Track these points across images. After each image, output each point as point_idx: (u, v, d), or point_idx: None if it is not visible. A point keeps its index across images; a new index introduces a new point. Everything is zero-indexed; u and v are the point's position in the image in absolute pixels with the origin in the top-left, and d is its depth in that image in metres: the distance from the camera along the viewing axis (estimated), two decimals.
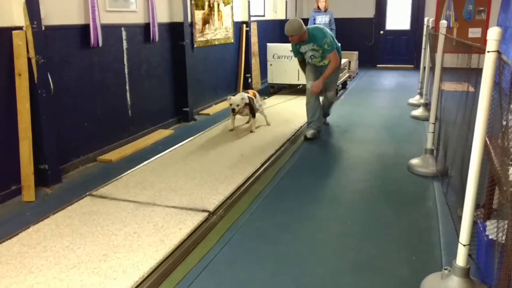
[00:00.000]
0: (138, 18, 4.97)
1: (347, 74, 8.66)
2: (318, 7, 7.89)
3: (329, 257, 2.63)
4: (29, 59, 3.44)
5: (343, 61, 6.71)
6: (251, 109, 5.21)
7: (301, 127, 5.44)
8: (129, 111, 4.90)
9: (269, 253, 2.66)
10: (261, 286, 2.35)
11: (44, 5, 3.60)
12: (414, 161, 4.08)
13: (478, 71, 2.25)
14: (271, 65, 7.66)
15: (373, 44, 11.52)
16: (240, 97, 5.11)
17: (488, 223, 2.16)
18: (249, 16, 7.89)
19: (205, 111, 6.50)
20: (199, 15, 6.22)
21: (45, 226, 2.91)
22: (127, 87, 4.84)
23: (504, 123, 1.98)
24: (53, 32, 3.75)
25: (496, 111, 2.02)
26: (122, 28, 4.70)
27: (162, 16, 5.44)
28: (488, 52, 1.95)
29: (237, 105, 5.05)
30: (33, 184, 3.47)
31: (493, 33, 1.94)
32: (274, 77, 7.70)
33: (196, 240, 2.78)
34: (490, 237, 2.10)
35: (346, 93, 8.05)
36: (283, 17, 10.05)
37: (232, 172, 3.89)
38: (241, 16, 7.75)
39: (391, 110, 6.76)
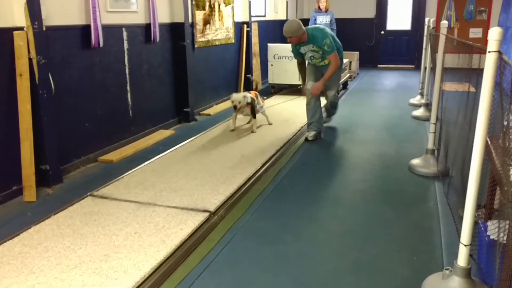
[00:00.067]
0: (139, 19, 4.97)
1: (348, 75, 8.66)
2: (319, 7, 7.89)
3: (330, 257, 2.63)
4: (30, 60, 3.45)
5: (344, 61, 6.69)
6: (252, 109, 5.21)
7: (302, 127, 5.44)
8: (130, 112, 4.90)
9: (270, 253, 2.66)
10: (262, 286, 2.35)
11: (45, 5, 3.60)
12: (415, 161, 4.07)
13: (479, 71, 2.25)
14: (272, 65, 7.66)
15: (374, 44, 11.52)
16: (242, 95, 5.13)
17: (489, 223, 2.16)
18: (250, 16, 7.90)
19: (206, 112, 6.51)
20: (200, 15, 6.22)
21: (46, 227, 2.91)
22: (128, 88, 4.84)
23: (505, 123, 1.98)
24: (54, 33, 3.76)
25: (497, 111, 2.02)
26: (123, 29, 4.70)
27: (163, 16, 5.44)
28: (489, 52, 1.95)
29: (239, 102, 5.05)
30: (34, 185, 3.47)
31: (494, 33, 1.94)
32: (275, 77, 7.71)
33: (197, 240, 2.78)
34: (491, 237, 2.09)
35: (347, 93, 8.04)
36: (284, 18, 10.05)
37: (233, 172, 3.89)
38: (242, 17, 7.75)
39: (392, 110, 6.76)
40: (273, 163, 4.26)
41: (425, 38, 7.19)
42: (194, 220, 2.97)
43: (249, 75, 7.91)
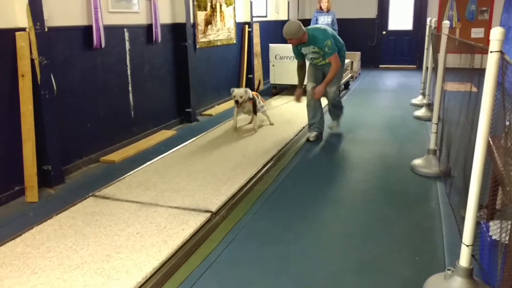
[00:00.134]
0: (140, 19, 4.98)
1: (350, 75, 8.66)
2: (321, 7, 7.88)
3: (332, 258, 2.63)
4: (32, 60, 3.45)
5: (346, 61, 6.68)
6: (254, 105, 5.21)
7: (303, 127, 5.43)
8: (132, 112, 4.91)
9: (271, 253, 2.66)
10: (263, 286, 2.35)
11: (47, 6, 3.61)
12: (417, 162, 4.07)
13: (481, 71, 2.25)
14: (273, 65, 7.66)
15: (376, 45, 11.51)
16: (244, 90, 5.13)
17: (491, 223, 2.16)
18: (251, 16, 7.90)
19: (208, 112, 6.51)
20: (201, 16, 6.22)
21: (48, 227, 2.92)
22: (130, 88, 4.85)
23: (507, 123, 1.97)
24: (56, 33, 3.77)
25: (499, 111, 2.01)
26: (125, 29, 4.71)
27: (165, 17, 5.45)
28: (491, 52, 1.95)
29: (241, 97, 5.03)
30: (36, 185, 3.48)
31: (496, 33, 1.93)
32: (277, 77, 7.71)
33: (199, 241, 2.78)
34: (493, 237, 2.09)
35: (349, 94, 8.04)
36: (285, 18, 10.06)
37: (234, 172, 3.89)
38: (243, 17, 7.75)
39: (393, 110, 6.75)
40: (275, 164, 4.26)
41: (426, 38, 7.18)
42: (196, 221, 2.97)
43: (251, 75, 7.91)
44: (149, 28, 5.11)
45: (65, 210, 3.18)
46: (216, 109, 6.69)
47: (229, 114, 6.04)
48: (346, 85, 8.26)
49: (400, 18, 11.43)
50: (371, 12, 11.38)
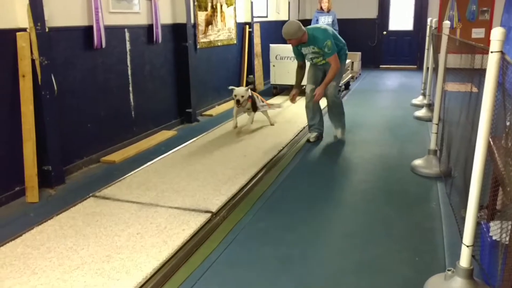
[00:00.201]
0: (141, 20, 4.98)
1: (350, 75, 8.66)
2: (321, 7, 7.89)
3: (333, 258, 2.63)
4: (33, 61, 3.46)
5: (347, 61, 6.66)
6: (253, 103, 5.20)
7: (303, 127, 5.43)
8: (132, 112, 4.91)
9: (272, 253, 2.66)
10: (264, 287, 2.35)
11: (48, 6, 3.61)
12: (418, 162, 4.07)
13: (482, 72, 2.25)
14: (273, 66, 7.66)
15: (376, 45, 11.51)
16: (244, 88, 5.10)
17: (491, 224, 2.15)
18: (252, 17, 7.90)
19: (208, 112, 6.51)
20: (202, 16, 6.23)
21: (49, 227, 2.92)
22: (130, 88, 4.85)
23: (508, 123, 1.97)
24: (56, 34, 3.77)
25: (499, 112, 2.01)
26: (126, 30, 4.71)
27: (165, 17, 5.45)
28: (491, 52, 1.95)
29: (242, 96, 5.00)
30: (37, 185, 3.48)
31: (497, 34, 1.93)
32: (277, 78, 7.70)
33: (199, 241, 2.78)
34: (494, 238, 2.09)
35: (349, 94, 8.04)
36: (286, 18, 10.05)
37: (235, 173, 3.89)
38: (244, 17, 7.76)
39: (394, 110, 6.75)
40: (275, 164, 4.26)
41: (427, 38, 7.18)
42: (196, 221, 2.97)
43: (251, 76, 7.91)
44: (149, 28, 5.11)
45: (66, 210, 3.18)
46: (217, 110, 6.70)
47: (229, 115, 6.04)
48: (347, 85, 8.26)
49: (401, 18, 11.42)
50: (371, 12, 11.37)
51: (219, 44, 6.83)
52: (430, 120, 5.29)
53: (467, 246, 2.14)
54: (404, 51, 11.51)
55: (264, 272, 2.47)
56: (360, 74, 10.20)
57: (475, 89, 2.83)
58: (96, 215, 3.09)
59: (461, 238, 2.18)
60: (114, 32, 4.53)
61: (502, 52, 1.94)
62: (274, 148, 4.61)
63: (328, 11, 7.86)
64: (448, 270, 2.23)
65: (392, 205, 3.37)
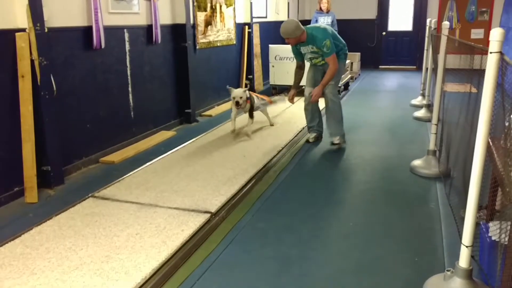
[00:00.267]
0: (140, 20, 4.98)
1: (349, 75, 8.66)
2: (320, 8, 7.89)
3: (332, 258, 2.62)
4: (32, 61, 3.45)
5: (346, 62, 6.65)
6: (251, 107, 5.13)
7: (303, 128, 5.43)
8: (132, 113, 4.91)
9: (271, 254, 2.66)
10: (263, 287, 2.35)
11: (47, 7, 3.61)
12: (417, 163, 4.07)
13: (481, 72, 2.25)
14: (273, 66, 7.66)
15: (376, 45, 11.52)
16: (242, 90, 5.01)
17: (490, 224, 2.16)
18: (251, 17, 7.90)
19: (207, 113, 6.51)
20: (201, 16, 6.23)
21: (48, 228, 2.92)
22: (130, 89, 4.85)
23: (507, 124, 1.97)
24: (56, 34, 3.77)
25: (498, 112, 2.01)
26: (125, 30, 4.71)
27: (165, 17, 5.45)
28: (490, 53, 1.95)
29: (241, 97, 4.92)
30: (36, 186, 3.48)
31: (496, 34, 1.93)
32: (276, 78, 7.71)
33: (198, 242, 2.78)
34: (493, 238, 2.09)
35: (349, 94, 8.04)
36: (285, 19, 10.06)
37: (234, 173, 3.89)
38: (243, 18, 7.76)
39: (393, 111, 6.75)
40: (275, 164, 4.26)
41: (426, 39, 7.19)
42: (195, 221, 2.97)
43: (251, 76, 7.91)
44: (149, 28, 5.11)
45: (65, 211, 3.18)
46: (216, 110, 6.69)
47: (228, 115, 6.02)
48: (346, 85, 8.27)
49: (400, 19, 11.43)
50: (371, 13, 11.38)
51: (218, 44, 6.83)
52: (429, 120, 5.29)
53: (466, 247, 2.14)
54: (404, 51, 11.52)
55: (263, 273, 2.47)
56: (359, 75, 10.20)
57: (474, 90, 2.83)
58: (95, 216, 3.09)
59: (460, 238, 2.18)
60: (114, 32, 4.53)
61: (501, 53, 1.94)
62: (274, 149, 4.61)
63: (328, 11, 7.86)
64: (448, 271, 2.23)
65: (391, 205, 3.37)
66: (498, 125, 2.08)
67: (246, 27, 7.79)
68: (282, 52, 7.49)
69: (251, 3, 7.82)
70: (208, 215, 3.07)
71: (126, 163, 4.33)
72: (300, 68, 4.91)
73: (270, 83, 7.88)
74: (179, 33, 5.70)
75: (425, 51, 7.23)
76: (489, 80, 1.96)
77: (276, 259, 2.61)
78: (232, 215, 3.18)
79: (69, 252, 2.61)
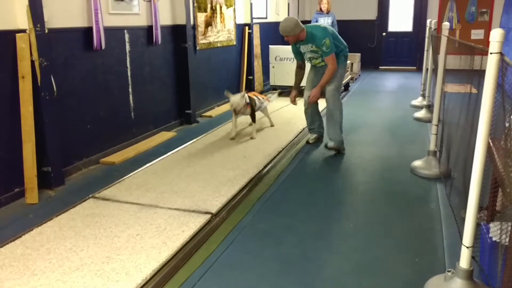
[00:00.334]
0: (141, 21, 4.98)
1: (350, 76, 8.66)
2: (321, 9, 7.89)
3: (333, 259, 2.62)
4: (32, 62, 3.46)
5: (347, 62, 6.65)
6: (252, 111, 5.11)
7: (303, 128, 5.43)
8: (132, 114, 4.91)
9: (272, 254, 2.66)
10: (264, 287, 2.35)
11: (48, 8, 3.62)
12: (417, 163, 4.07)
13: (481, 73, 2.25)
14: (273, 67, 7.67)
15: (376, 46, 11.52)
16: (239, 97, 4.92)
17: (491, 225, 2.16)
18: (252, 18, 7.91)
19: (208, 113, 6.51)
20: (201, 17, 6.23)
21: (48, 229, 2.92)
22: (130, 90, 4.85)
23: (507, 124, 1.97)
24: (56, 35, 3.77)
25: (499, 113, 2.01)
26: (125, 31, 4.71)
27: (165, 18, 5.45)
28: (490, 53, 1.95)
29: (238, 104, 4.90)
30: (36, 187, 3.48)
31: (496, 35, 1.94)
32: (276, 79, 7.71)
33: (198, 242, 2.78)
34: (494, 239, 2.09)
35: (349, 95, 8.04)
36: None
37: (234, 174, 3.89)
38: (243, 19, 7.76)
39: (393, 112, 6.75)
40: (275, 165, 4.26)
41: (426, 39, 7.19)
42: (196, 222, 2.97)
43: (251, 77, 7.92)
44: (149, 29, 5.11)
45: (65, 211, 3.18)
46: (216, 111, 6.69)
47: (229, 116, 6.03)
48: (346, 86, 8.27)
49: (400, 20, 11.44)
50: (371, 14, 11.39)
51: (218, 45, 6.83)
52: (429, 121, 5.29)
53: (467, 247, 2.14)
54: (404, 52, 11.52)
55: (264, 274, 2.47)
56: (359, 75, 10.21)
57: (474, 90, 2.83)
58: (96, 216, 3.09)
59: (461, 239, 2.18)
60: (114, 33, 4.53)
61: (501, 54, 1.94)
62: (274, 150, 4.61)
63: (328, 12, 7.86)
64: (448, 271, 2.23)
65: (392, 206, 3.37)
66: (499, 126, 2.08)
67: (246, 27, 7.80)
68: (282, 52, 7.49)
69: (251, 4, 7.82)
70: (208, 216, 3.07)
71: (127, 164, 4.33)
72: (300, 68, 4.87)
73: (270, 84, 7.88)
74: (179, 34, 5.71)
75: (425, 52, 7.23)
76: (489, 81, 1.96)
77: (277, 259, 2.60)
78: (233, 216, 3.18)
79: (69, 253, 2.61)
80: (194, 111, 6.02)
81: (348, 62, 7.90)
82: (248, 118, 5.33)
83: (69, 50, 3.97)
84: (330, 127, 4.63)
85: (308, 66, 4.88)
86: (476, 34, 10.41)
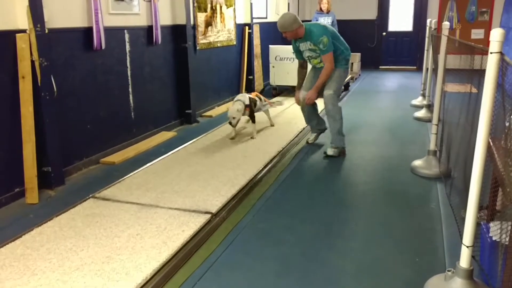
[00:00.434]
0: (141, 21, 4.98)
1: (350, 76, 8.66)
2: (321, 8, 7.90)
3: (333, 259, 2.62)
4: (32, 62, 3.46)
5: None
6: (251, 112, 5.09)
7: (303, 128, 5.43)
8: (132, 113, 4.91)
9: (272, 254, 2.66)
10: (264, 287, 2.35)
11: (48, 8, 3.62)
12: (417, 163, 4.07)
13: (481, 72, 2.25)
14: (273, 67, 7.67)
15: (376, 46, 11.52)
16: (235, 109, 4.84)
17: (491, 224, 2.16)
18: (252, 18, 7.91)
19: (208, 113, 6.51)
20: (201, 17, 6.23)
21: (48, 228, 2.92)
22: (130, 90, 4.85)
23: (507, 124, 1.97)
24: (56, 35, 3.77)
25: (499, 113, 2.01)
26: (125, 31, 4.71)
27: (165, 18, 5.46)
28: (491, 53, 1.95)
29: (233, 118, 4.85)
30: (37, 187, 3.48)
31: (496, 35, 1.94)
32: (276, 79, 7.71)
33: (199, 242, 2.78)
34: (494, 238, 2.09)
35: (349, 95, 8.04)
36: None
37: (234, 173, 3.89)
38: (243, 18, 7.76)
39: (393, 111, 6.75)
40: (275, 165, 4.26)
41: (426, 39, 7.19)
42: (196, 222, 2.97)
43: (251, 77, 7.92)
44: (149, 29, 5.11)
45: (65, 211, 3.18)
46: (216, 111, 6.70)
47: None
48: (346, 86, 8.27)
49: (400, 19, 11.43)
50: (371, 13, 11.38)
51: (218, 45, 6.83)
52: (429, 120, 5.29)
53: (467, 247, 2.14)
54: (404, 52, 11.52)
55: (264, 273, 2.47)
56: (359, 75, 10.21)
57: (474, 90, 2.84)
58: (96, 216, 3.09)
59: (461, 238, 2.18)
60: (114, 33, 4.53)
61: (501, 53, 1.94)
62: (274, 149, 4.61)
63: (328, 12, 7.86)
64: (448, 271, 2.23)
65: (392, 206, 3.37)
66: (499, 125, 2.08)
67: (246, 27, 7.80)
68: (282, 52, 7.49)
69: (251, 3, 7.82)
70: (208, 216, 3.07)
71: (127, 163, 4.33)
72: (302, 67, 4.78)
73: (270, 84, 7.88)
74: (179, 34, 5.71)
75: (425, 52, 7.23)
76: (490, 81, 1.96)
77: (277, 259, 2.61)
78: (233, 216, 3.18)
79: (69, 252, 2.61)
80: (194, 111, 6.02)
81: None
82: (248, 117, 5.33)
83: (69, 50, 3.97)
84: (331, 134, 4.54)
85: (309, 66, 4.84)
86: (476, 33, 10.40)
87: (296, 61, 4.83)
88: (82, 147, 4.17)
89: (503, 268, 1.90)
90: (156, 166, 4.18)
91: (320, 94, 4.51)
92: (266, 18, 8.98)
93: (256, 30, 8.17)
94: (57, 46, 3.81)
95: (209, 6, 6.42)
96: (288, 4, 10.40)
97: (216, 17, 6.68)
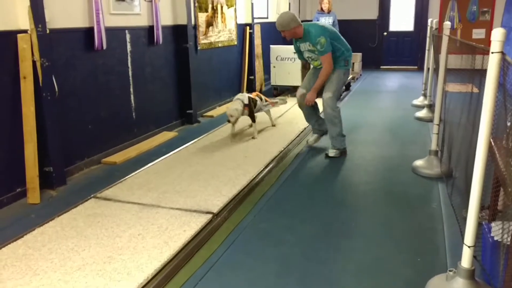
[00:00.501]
0: (142, 21, 4.99)
1: (351, 76, 8.65)
2: (322, 8, 7.90)
3: (333, 259, 2.62)
4: (34, 62, 3.46)
5: None
6: (251, 111, 5.06)
7: (304, 128, 5.43)
8: (133, 114, 4.92)
9: (273, 254, 2.66)
10: (265, 287, 2.35)
11: (49, 8, 3.62)
12: (419, 163, 4.07)
13: (482, 72, 2.25)
14: (274, 67, 7.66)
15: (377, 46, 11.51)
16: (234, 108, 4.85)
17: (493, 224, 2.16)
18: (253, 18, 7.91)
19: (209, 113, 6.51)
20: (202, 17, 6.24)
21: (50, 228, 2.92)
22: (131, 90, 4.86)
23: (509, 124, 1.97)
24: (57, 35, 3.77)
25: (500, 112, 2.01)
26: (126, 31, 4.72)
27: (166, 18, 5.46)
28: (492, 53, 1.95)
29: (231, 116, 4.85)
30: (38, 187, 3.48)
31: (497, 34, 1.93)
32: (278, 79, 7.71)
33: (200, 242, 2.78)
34: (495, 238, 2.09)
35: (350, 95, 8.04)
36: None
37: (236, 173, 3.89)
38: (244, 18, 7.76)
39: (395, 111, 6.75)
40: (276, 165, 4.26)
41: (428, 39, 7.18)
42: (197, 222, 2.98)
43: (252, 77, 7.92)
44: (150, 29, 5.12)
45: (67, 211, 3.18)
46: (217, 111, 6.70)
47: None
48: (347, 86, 8.26)
49: (401, 19, 11.42)
50: (372, 13, 11.38)
51: (219, 45, 6.84)
52: (431, 120, 5.29)
53: (469, 247, 2.14)
54: (405, 51, 11.51)
55: (265, 273, 2.47)
56: (360, 75, 10.20)
57: (475, 90, 2.83)
58: (97, 216, 3.10)
59: (463, 238, 2.18)
60: (115, 33, 4.54)
61: (502, 53, 1.94)
62: (275, 149, 4.61)
63: (329, 12, 7.87)
64: (450, 271, 2.23)
65: (393, 205, 3.37)
66: (500, 125, 2.08)
67: (247, 27, 7.80)
68: (283, 52, 7.49)
69: (252, 3, 7.83)
70: (210, 216, 3.07)
71: (128, 163, 4.34)
72: (305, 68, 4.80)
73: (271, 84, 7.88)
74: (180, 34, 5.71)
75: (426, 51, 7.22)
76: (491, 80, 1.96)
77: (278, 259, 2.61)
78: (234, 216, 3.18)
79: (71, 252, 2.61)
80: (195, 111, 6.02)
81: None
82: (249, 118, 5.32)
83: (71, 50, 3.98)
84: (330, 136, 4.51)
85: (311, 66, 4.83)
86: (478, 33, 10.39)
87: (298, 61, 4.83)
88: (83, 147, 4.17)
89: (504, 268, 1.90)
90: (158, 166, 4.18)
91: (319, 94, 4.48)
92: (267, 18, 8.98)
93: (257, 30, 8.17)
94: (58, 47, 3.81)
95: (210, 6, 6.42)
96: (289, 4, 10.40)
97: (217, 17, 6.69)
